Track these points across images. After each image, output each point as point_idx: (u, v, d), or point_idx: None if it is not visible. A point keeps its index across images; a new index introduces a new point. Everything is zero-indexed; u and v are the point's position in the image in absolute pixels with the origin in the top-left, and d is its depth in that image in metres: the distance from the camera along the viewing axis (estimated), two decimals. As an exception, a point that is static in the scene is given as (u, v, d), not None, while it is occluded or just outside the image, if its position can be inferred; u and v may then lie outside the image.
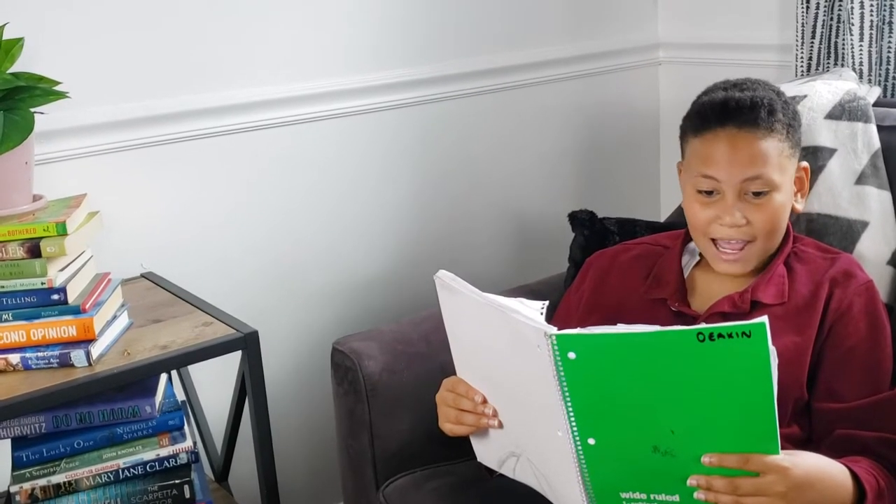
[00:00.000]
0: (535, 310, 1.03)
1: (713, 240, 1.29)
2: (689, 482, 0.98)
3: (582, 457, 1.01)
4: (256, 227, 1.80)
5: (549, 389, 0.99)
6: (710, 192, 1.28)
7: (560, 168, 2.25)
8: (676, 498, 1.00)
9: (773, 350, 0.91)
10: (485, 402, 1.13)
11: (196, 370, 1.71)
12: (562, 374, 0.97)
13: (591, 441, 1.00)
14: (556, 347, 0.97)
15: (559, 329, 0.97)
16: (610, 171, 2.34)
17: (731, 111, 1.26)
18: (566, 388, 0.98)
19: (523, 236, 2.20)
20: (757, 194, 1.25)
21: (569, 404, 0.99)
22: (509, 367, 1.06)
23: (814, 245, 1.36)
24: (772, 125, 1.25)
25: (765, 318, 0.90)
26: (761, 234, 1.27)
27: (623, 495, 1.02)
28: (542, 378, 0.99)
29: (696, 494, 0.99)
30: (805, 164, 1.33)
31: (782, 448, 0.99)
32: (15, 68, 1.37)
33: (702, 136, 1.28)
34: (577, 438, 1.00)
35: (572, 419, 0.99)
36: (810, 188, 1.44)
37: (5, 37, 1.36)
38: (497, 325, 1.04)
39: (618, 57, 2.28)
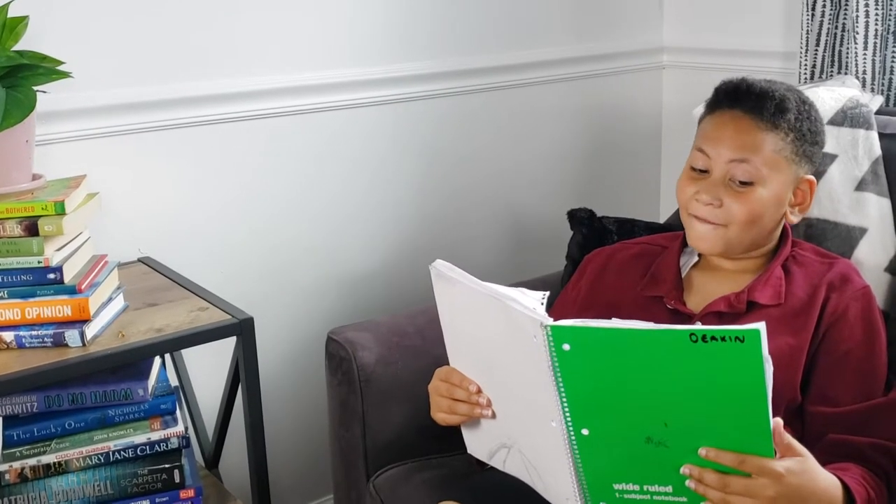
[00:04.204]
0: (535, 300, 1.03)
1: (695, 217, 1.30)
2: (681, 471, 0.98)
3: (575, 447, 1.01)
4: (255, 216, 1.80)
5: (543, 379, 0.99)
6: (702, 171, 1.29)
7: (560, 167, 2.25)
8: (669, 489, 1.00)
9: (767, 357, 0.91)
10: (479, 391, 1.13)
11: (190, 358, 1.71)
12: (556, 364, 0.98)
13: (585, 431, 1.00)
14: (550, 338, 0.97)
15: (555, 321, 0.97)
16: (611, 172, 2.34)
17: (741, 94, 1.29)
18: (560, 379, 0.98)
19: (521, 234, 2.20)
20: (742, 184, 1.26)
21: (563, 395, 0.99)
22: (504, 356, 1.06)
23: (812, 250, 1.36)
24: (776, 121, 1.26)
25: (760, 325, 0.89)
26: (734, 222, 1.27)
27: (616, 486, 1.02)
28: (536, 368, 0.99)
29: (686, 483, 0.99)
30: (811, 178, 1.32)
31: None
32: (19, 46, 1.37)
33: (711, 115, 1.32)
34: (571, 429, 1.00)
35: (566, 409, 0.99)
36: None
37: (10, 14, 1.36)
38: (493, 314, 1.04)
39: (622, 60, 2.29)
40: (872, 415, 1.20)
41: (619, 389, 0.97)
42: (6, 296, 1.30)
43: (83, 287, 1.32)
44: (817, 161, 1.34)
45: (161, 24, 1.63)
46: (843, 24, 1.85)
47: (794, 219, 1.33)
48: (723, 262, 1.34)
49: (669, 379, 0.95)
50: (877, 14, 1.78)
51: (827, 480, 1.04)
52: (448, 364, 1.20)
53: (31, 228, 1.28)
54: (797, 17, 1.96)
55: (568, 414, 1.00)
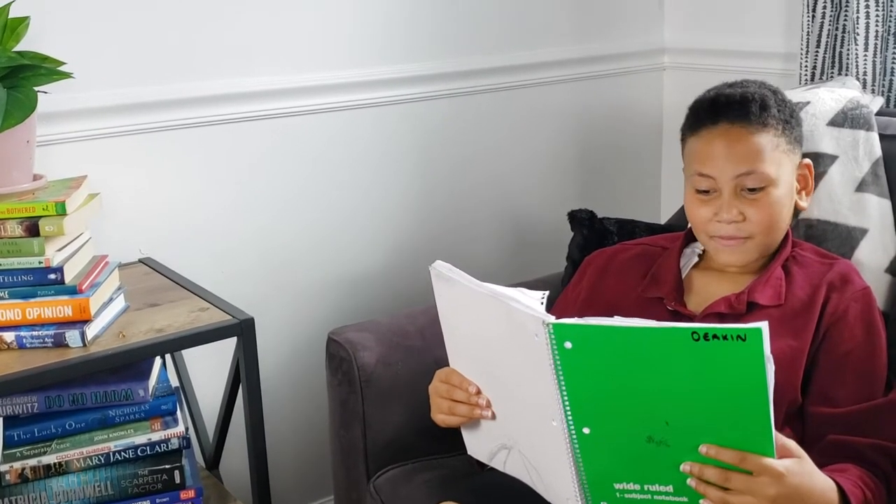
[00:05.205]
0: (535, 299, 1.03)
1: (718, 238, 1.30)
2: (681, 468, 0.98)
3: (577, 446, 1.01)
4: (255, 217, 1.80)
5: (545, 378, 0.99)
6: (707, 192, 1.28)
7: (561, 168, 2.25)
8: (670, 488, 1.00)
9: (769, 356, 0.91)
10: (478, 392, 1.13)
11: (190, 359, 1.71)
12: (558, 362, 0.98)
13: (586, 430, 1.00)
14: (552, 336, 0.97)
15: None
16: (611, 173, 2.34)
17: (721, 107, 1.28)
18: (562, 377, 0.98)
19: (522, 235, 2.20)
20: (753, 190, 1.26)
21: (564, 393, 0.99)
22: (505, 356, 1.06)
23: (813, 250, 1.36)
24: (765, 120, 1.26)
25: (763, 324, 0.89)
26: (759, 229, 1.27)
27: (617, 486, 1.02)
28: (538, 367, 0.99)
29: (687, 481, 0.99)
30: (808, 161, 1.34)
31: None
32: (20, 47, 1.37)
33: (696, 135, 1.31)
34: (572, 428, 1.00)
35: (567, 408, 0.99)
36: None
37: (11, 15, 1.36)
38: (494, 314, 1.04)
39: (623, 61, 2.29)
40: (872, 415, 1.20)
41: (621, 388, 0.97)
42: (7, 296, 1.30)
43: (84, 287, 1.33)
44: (802, 141, 1.35)
45: (161, 24, 1.63)
46: (844, 25, 1.85)
47: (805, 204, 1.34)
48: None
49: (671, 377, 0.95)
50: (877, 15, 1.78)
51: (824, 483, 1.04)
52: (448, 365, 1.20)
53: (32, 229, 1.28)
54: (798, 19, 1.96)
55: (569, 413, 1.00)
